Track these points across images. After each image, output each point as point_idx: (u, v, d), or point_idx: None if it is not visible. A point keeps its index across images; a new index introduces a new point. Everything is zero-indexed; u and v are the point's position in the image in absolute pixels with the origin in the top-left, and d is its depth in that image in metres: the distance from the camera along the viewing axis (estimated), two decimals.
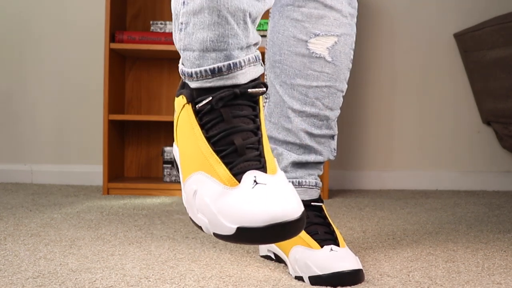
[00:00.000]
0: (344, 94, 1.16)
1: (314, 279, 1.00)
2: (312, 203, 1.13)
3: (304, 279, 1.02)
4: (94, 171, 2.45)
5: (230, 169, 0.81)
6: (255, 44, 0.87)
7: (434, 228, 1.56)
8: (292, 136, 1.14)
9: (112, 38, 2.21)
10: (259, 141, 0.84)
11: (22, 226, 1.48)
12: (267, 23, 2.26)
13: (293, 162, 1.15)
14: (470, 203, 2.06)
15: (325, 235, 1.07)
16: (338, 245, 1.06)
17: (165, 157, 2.28)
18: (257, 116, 0.85)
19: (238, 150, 0.81)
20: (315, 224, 1.10)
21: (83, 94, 2.49)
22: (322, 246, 1.04)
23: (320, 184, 1.17)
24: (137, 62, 2.48)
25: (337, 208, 1.91)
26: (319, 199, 1.15)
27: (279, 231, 0.75)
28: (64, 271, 1.06)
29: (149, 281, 1.01)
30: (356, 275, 1.00)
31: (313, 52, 1.12)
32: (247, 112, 0.84)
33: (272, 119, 1.16)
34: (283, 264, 1.14)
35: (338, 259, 1.01)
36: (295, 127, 1.14)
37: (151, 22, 2.34)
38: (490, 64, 2.20)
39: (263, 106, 1.18)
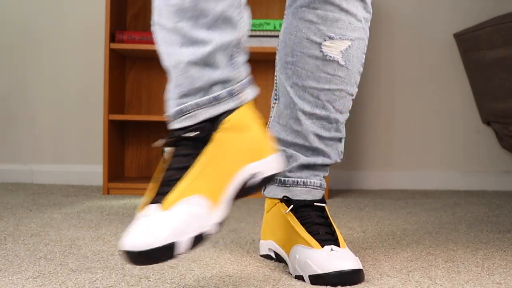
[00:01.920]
0: (353, 97, 1.16)
1: (314, 278, 1.00)
2: (315, 203, 1.13)
3: (304, 278, 1.02)
4: (94, 171, 2.44)
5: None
6: (211, 85, 0.92)
7: (434, 228, 1.56)
8: (301, 139, 1.14)
9: (112, 38, 2.21)
10: (178, 179, 0.90)
11: (22, 226, 1.48)
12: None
13: (301, 165, 1.15)
14: (470, 203, 2.06)
15: (326, 235, 1.07)
16: (338, 245, 1.06)
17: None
18: (196, 154, 0.92)
19: (162, 183, 0.91)
20: (317, 224, 1.10)
21: (83, 94, 2.49)
22: (322, 246, 1.04)
23: (324, 185, 1.17)
24: (137, 62, 2.48)
25: (337, 208, 1.91)
26: (322, 200, 1.16)
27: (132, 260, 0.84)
28: (64, 271, 1.06)
29: (149, 281, 1.01)
30: (356, 275, 1.00)
31: (326, 55, 1.12)
32: (187, 152, 0.93)
33: (281, 120, 1.16)
34: (283, 264, 1.14)
35: (338, 258, 1.01)
36: (305, 129, 1.13)
37: (151, 22, 2.34)
38: (490, 64, 2.20)
39: (273, 107, 1.19)
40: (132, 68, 2.48)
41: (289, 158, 1.16)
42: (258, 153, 0.97)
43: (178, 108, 0.94)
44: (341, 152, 1.19)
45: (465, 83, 2.52)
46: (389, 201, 2.10)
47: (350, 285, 0.99)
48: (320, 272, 1.00)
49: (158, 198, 0.89)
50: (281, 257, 1.14)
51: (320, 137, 1.14)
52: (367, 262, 1.16)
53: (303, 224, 1.10)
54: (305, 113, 1.13)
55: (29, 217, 1.61)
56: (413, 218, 1.72)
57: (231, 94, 0.94)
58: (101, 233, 1.42)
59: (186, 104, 0.93)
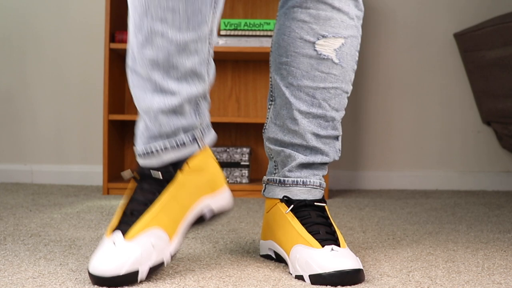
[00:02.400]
0: (348, 95, 1.17)
1: (314, 278, 1.00)
2: (315, 203, 1.13)
3: (305, 277, 1.02)
4: (94, 171, 2.44)
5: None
6: (177, 131, 1.02)
7: (434, 228, 1.56)
8: (298, 138, 1.15)
9: (112, 38, 2.21)
10: (142, 211, 1.00)
11: (22, 226, 1.48)
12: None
13: (300, 164, 1.15)
14: (470, 203, 2.06)
15: (326, 235, 1.07)
16: (338, 245, 1.06)
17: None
18: (160, 191, 1.02)
19: (126, 212, 1.02)
20: (317, 224, 1.10)
21: (83, 94, 2.49)
22: (323, 246, 1.04)
23: (324, 184, 1.17)
24: None
25: (337, 208, 1.91)
26: (323, 199, 1.16)
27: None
28: (64, 271, 1.06)
29: (149, 281, 1.01)
30: (356, 275, 1.00)
31: (320, 54, 1.12)
32: (151, 188, 1.03)
33: (278, 121, 1.17)
34: (283, 264, 1.14)
35: (339, 258, 1.01)
36: (302, 128, 1.14)
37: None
38: (490, 64, 2.20)
39: (269, 109, 1.19)
40: None
41: (287, 158, 1.16)
42: (213, 185, 1.09)
43: (146, 148, 1.03)
44: (339, 150, 1.20)
45: (465, 83, 2.52)
46: (389, 201, 2.10)
47: (350, 285, 0.99)
48: (320, 271, 1.00)
49: (123, 226, 1.00)
50: (281, 257, 1.14)
51: (317, 135, 1.14)
52: (367, 262, 1.16)
53: (303, 224, 1.10)
54: (301, 112, 1.13)
55: (29, 217, 1.61)
56: (413, 218, 1.72)
57: (194, 140, 1.05)
58: (101, 233, 1.42)
59: (153, 147, 1.03)
